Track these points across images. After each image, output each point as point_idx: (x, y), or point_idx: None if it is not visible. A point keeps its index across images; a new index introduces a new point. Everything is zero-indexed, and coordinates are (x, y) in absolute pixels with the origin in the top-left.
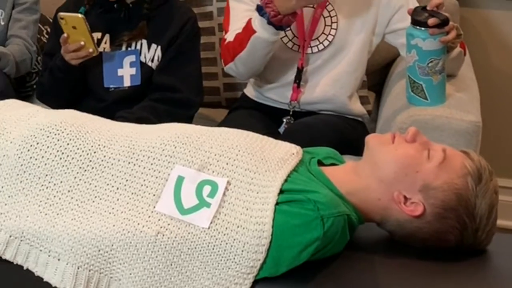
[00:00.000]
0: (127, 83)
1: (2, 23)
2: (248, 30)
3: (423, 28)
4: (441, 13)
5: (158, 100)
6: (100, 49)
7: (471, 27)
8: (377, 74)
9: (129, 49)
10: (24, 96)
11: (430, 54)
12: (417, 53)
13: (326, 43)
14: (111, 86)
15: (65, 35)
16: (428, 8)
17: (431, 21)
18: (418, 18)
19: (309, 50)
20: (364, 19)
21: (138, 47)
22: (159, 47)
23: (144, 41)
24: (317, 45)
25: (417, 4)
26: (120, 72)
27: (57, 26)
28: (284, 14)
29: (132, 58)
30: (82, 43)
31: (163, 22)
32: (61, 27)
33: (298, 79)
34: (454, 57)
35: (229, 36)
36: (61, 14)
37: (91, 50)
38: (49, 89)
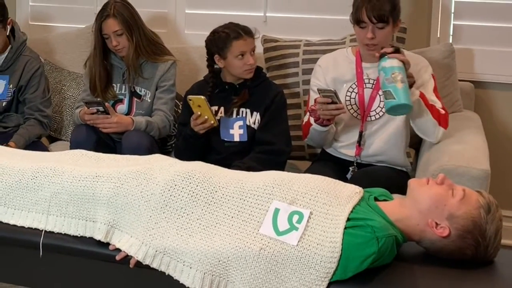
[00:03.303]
0: (237, 139)
1: (149, 100)
2: (308, 121)
3: (384, 56)
4: (393, 45)
5: (260, 152)
6: (217, 117)
7: (483, 103)
8: (416, 137)
9: (238, 116)
10: (166, 152)
11: (391, 69)
12: (383, 71)
13: (381, 113)
14: (226, 139)
15: (198, 113)
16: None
17: (385, 49)
18: (380, 55)
19: (368, 119)
20: None
21: (244, 114)
22: (258, 113)
23: (248, 110)
24: (374, 115)
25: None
26: (231, 131)
27: (186, 104)
28: (323, 119)
29: (240, 122)
30: (206, 117)
31: (260, 95)
32: (189, 105)
33: (360, 140)
34: (414, 100)
35: (305, 118)
36: (190, 96)
37: (212, 122)
38: (184, 150)
